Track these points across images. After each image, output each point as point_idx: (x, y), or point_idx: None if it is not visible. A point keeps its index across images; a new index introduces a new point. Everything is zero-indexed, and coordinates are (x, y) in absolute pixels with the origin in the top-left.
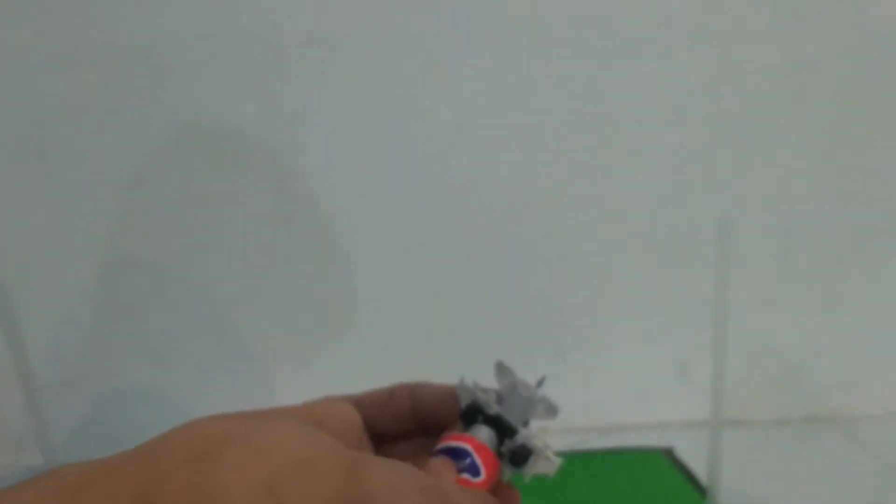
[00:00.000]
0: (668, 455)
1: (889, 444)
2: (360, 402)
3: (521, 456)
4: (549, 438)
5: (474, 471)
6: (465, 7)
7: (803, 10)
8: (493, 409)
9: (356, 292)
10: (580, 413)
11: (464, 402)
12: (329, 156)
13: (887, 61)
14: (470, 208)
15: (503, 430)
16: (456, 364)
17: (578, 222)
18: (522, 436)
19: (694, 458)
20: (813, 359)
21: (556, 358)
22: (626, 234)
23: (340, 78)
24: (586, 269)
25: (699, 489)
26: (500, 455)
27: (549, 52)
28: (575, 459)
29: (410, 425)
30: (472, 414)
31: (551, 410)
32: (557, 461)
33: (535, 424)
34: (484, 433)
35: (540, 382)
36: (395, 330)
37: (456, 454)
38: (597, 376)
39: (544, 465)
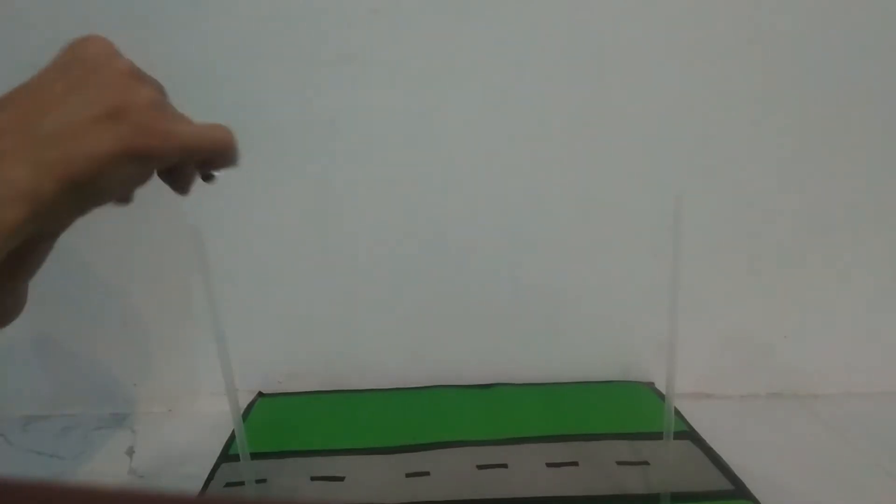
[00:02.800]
0: (651, 387)
1: (844, 418)
2: None
3: None
4: None
5: None
6: (477, 33)
7: (774, 32)
8: None
9: (377, 271)
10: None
11: None
12: (357, 155)
13: (853, 81)
14: (477, 202)
15: None
16: (463, 333)
17: (571, 215)
18: None
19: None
20: (779, 342)
21: (552, 334)
22: (614, 227)
23: (368, 89)
24: (576, 255)
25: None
26: None
27: (547, 77)
28: (574, 387)
29: None
30: None
31: None
32: None
33: None
34: None
35: None
36: (409, 305)
37: None
38: (584, 348)
39: None
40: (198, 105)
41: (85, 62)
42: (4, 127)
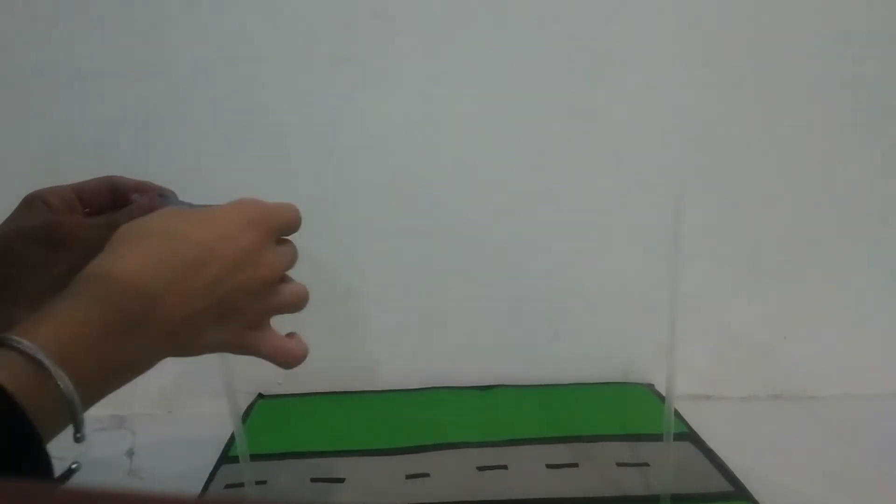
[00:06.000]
0: (650, 388)
1: (845, 420)
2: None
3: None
4: None
5: None
6: (475, 37)
7: (773, 32)
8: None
9: (376, 272)
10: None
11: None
12: (356, 157)
13: (852, 83)
14: (476, 205)
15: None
16: (463, 334)
17: (570, 217)
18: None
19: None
20: (779, 344)
21: (551, 336)
22: (614, 227)
23: (367, 91)
24: (576, 256)
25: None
26: None
27: (546, 78)
28: (573, 388)
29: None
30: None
31: None
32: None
33: None
34: None
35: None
36: (408, 305)
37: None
38: (584, 350)
39: None
40: (199, 105)
41: (253, 279)
42: (158, 315)
